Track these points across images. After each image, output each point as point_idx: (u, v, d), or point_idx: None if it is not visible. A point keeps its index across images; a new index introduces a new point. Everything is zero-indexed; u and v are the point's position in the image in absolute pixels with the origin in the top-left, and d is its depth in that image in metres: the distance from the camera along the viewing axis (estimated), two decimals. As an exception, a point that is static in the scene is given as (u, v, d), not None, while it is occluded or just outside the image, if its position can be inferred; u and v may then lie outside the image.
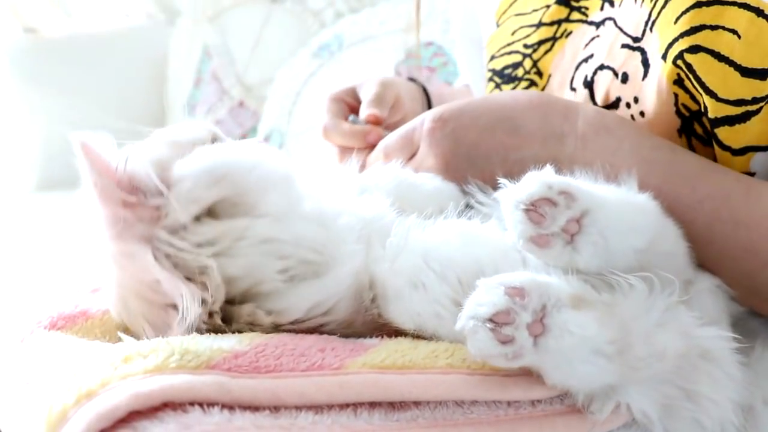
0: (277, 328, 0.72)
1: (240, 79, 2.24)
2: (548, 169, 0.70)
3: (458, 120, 0.86)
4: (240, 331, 0.71)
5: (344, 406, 0.62)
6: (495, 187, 0.80)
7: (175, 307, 0.72)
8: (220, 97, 2.25)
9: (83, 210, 0.73)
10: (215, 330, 0.71)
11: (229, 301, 0.72)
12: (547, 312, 0.63)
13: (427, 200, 0.84)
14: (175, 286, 0.71)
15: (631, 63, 0.87)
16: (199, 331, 0.71)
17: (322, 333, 0.72)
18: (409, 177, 0.88)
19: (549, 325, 0.63)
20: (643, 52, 0.86)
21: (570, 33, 0.96)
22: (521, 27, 1.01)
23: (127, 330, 0.76)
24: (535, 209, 0.68)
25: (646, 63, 0.85)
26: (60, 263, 0.90)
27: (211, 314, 0.71)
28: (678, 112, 0.83)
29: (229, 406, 0.59)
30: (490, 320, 0.62)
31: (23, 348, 0.74)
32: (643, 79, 0.85)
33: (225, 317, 0.71)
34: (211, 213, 0.73)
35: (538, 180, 0.68)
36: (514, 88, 1.00)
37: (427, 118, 0.88)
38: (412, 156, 0.90)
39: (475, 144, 0.85)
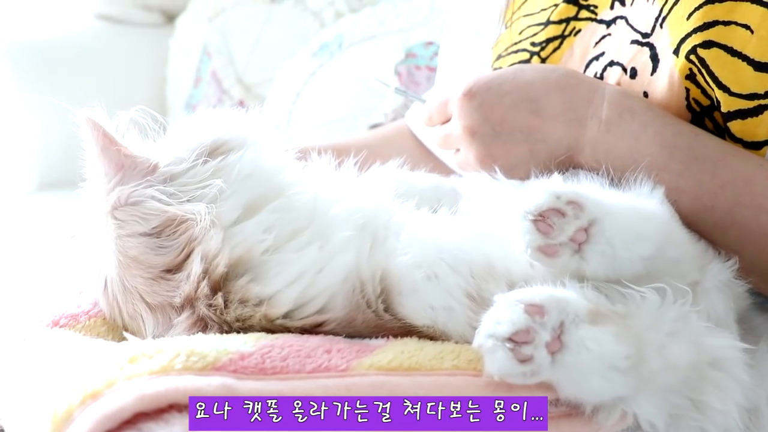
0: (272, 322, 0.72)
1: (240, 79, 2.23)
2: (556, 177, 0.71)
3: (485, 95, 0.88)
4: (238, 320, 0.72)
5: (351, 409, 0.62)
6: (517, 162, 0.86)
7: (172, 305, 0.73)
8: (219, 97, 2.24)
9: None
10: (217, 318, 0.72)
11: (225, 279, 0.73)
12: (565, 328, 0.63)
13: (422, 197, 0.85)
14: (184, 210, 0.74)
15: (640, 58, 0.87)
16: (204, 320, 0.72)
17: (325, 333, 0.72)
18: (405, 176, 0.91)
19: (567, 342, 0.63)
20: (652, 47, 0.86)
21: (578, 31, 0.96)
22: (529, 26, 1.01)
23: (124, 329, 0.77)
24: (543, 219, 0.68)
25: (655, 58, 0.86)
26: (58, 263, 0.90)
27: (214, 291, 0.72)
28: (689, 107, 0.84)
29: (235, 408, 0.59)
30: (510, 339, 0.62)
31: (26, 346, 0.74)
32: (652, 74, 0.86)
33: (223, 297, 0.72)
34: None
35: (546, 190, 0.69)
36: None
37: (459, 89, 0.90)
38: (448, 119, 0.94)
39: (500, 121, 0.88)
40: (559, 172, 0.85)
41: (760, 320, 0.80)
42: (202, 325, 0.72)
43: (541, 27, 1.00)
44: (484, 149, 0.89)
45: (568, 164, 0.86)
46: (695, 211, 0.78)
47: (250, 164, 0.78)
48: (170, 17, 2.46)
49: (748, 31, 0.79)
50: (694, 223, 0.78)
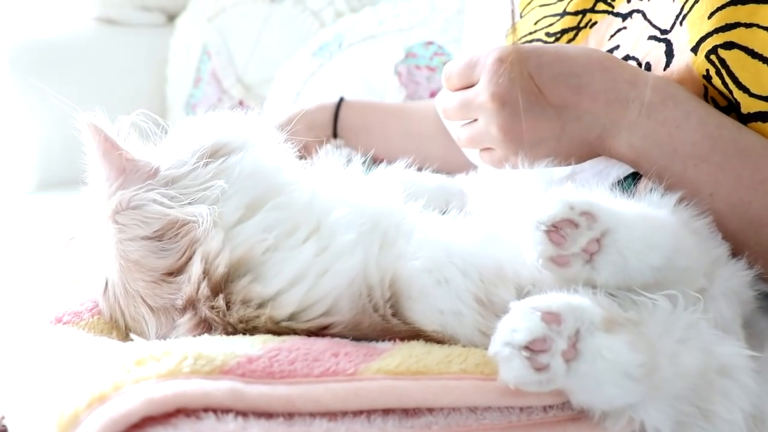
0: (277, 324, 0.72)
1: (240, 78, 2.23)
2: (569, 186, 0.70)
3: (523, 64, 0.84)
4: (241, 321, 0.72)
5: (358, 413, 0.62)
6: (544, 139, 0.83)
7: (174, 307, 0.73)
8: (219, 96, 2.24)
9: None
10: (220, 319, 0.72)
11: (226, 280, 0.73)
12: (581, 336, 0.63)
13: (430, 197, 0.84)
14: (186, 213, 0.74)
15: (655, 53, 0.87)
16: (208, 322, 0.72)
17: (332, 336, 0.72)
18: (413, 176, 0.90)
19: (582, 350, 0.62)
20: (668, 43, 0.86)
21: (594, 23, 0.96)
22: (545, 16, 1.01)
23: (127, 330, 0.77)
24: (556, 230, 0.68)
25: (670, 54, 0.85)
26: (58, 265, 0.90)
27: (215, 293, 0.72)
28: None
29: (242, 413, 0.59)
30: (526, 347, 0.62)
31: (30, 344, 0.74)
32: (665, 68, 0.85)
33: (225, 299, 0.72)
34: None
35: (560, 201, 0.68)
36: None
37: (492, 54, 0.86)
38: (471, 85, 0.89)
39: (535, 92, 0.84)
40: (581, 158, 0.86)
41: (764, 324, 0.80)
42: (206, 326, 0.72)
43: (558, 17, 0.99)
44: (511, 121, 0.84)
45: (596, 148, 0.85)
46: (731, 205, 0.78)
47: (251, 164, 0.78)
48: (170, 17, 2.46)
49: None
50: (727, 218, 0.77)
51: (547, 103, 0.83)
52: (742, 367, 0.68)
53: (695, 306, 0.69)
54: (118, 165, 0.77)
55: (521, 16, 1.06)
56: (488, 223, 0.78)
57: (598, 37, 0.95)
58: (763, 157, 0.78)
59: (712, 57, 0.80)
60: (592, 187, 0.74)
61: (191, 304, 0.72)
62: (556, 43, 0.91)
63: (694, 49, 0.82)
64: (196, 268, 0.72)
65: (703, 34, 0.81)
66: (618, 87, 0.82)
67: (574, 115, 0.83)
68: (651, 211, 0.73)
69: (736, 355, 0.68)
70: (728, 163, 0.78)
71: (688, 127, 0.80)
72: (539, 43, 0.89)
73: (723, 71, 0.80)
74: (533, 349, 0.62)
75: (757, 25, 0.79)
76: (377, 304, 0.74)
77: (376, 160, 0.91)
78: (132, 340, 0.73)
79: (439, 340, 0.72)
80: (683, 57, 0.84)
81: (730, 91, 0.80)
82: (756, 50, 0.79)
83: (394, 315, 0.74)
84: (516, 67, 0.83)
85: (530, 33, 1.02)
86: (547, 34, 1.00)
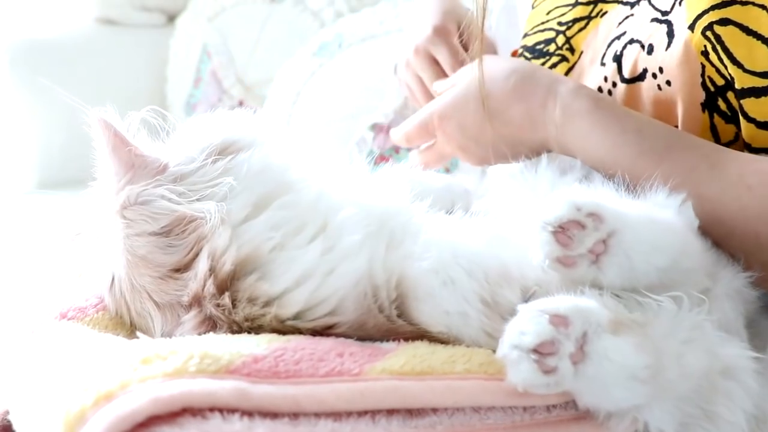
0: (283, 323, 0.72)
1: (240, 78, 2.23)
2: (577, 187, 0.71)
3: (457, 116, 0.98)
4: (247, 319, 0.72)
5: (363, 413, 0.62)
6: (509, 155, 0.93)
7: (180, 304, 0.73)
8: (219, 97, 2.24)
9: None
10: (226, 317, 0.72)
11: (232, 278, 0.73)
12: (588, 339, 0.63)
13: (436, 197, 0.85)
14: (194, 209, 0.74)
15: (657, 35, 0.88)
16: (213, 320, 0.72)
17: (337, 336, 0.72)
18: (419, 176, 0.91)
19: (589, 353, 0.63)
20: (669, 24, 0.87)
21: (605, 13, 0.98)
22: (557, 7, 1.04)
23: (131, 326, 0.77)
24: (563, 231, 0.68)
25: (671, 34, 0.87)
26: (63, 260, 0.90)
27: (221, 290, 0.72)
28: (703, 84, 0.85)
29: (248, 413, 0.59)
30: (534, 350, 0.62)
31: (35, 339, 0.74)
32: (666, 49, 0.87)
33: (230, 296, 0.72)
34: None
35: (567, 202, 0.69)
36: (543, 63, 1.03)
37: (434, 115, 1.00)
38: (432, 137, 1.03)
39: (479, 133, 0.95)
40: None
41: (766, 324, 0.80)
42: (211, 324, 0.72)
43: (569, 8, 1.02)
44: (480, 156, 0.97)
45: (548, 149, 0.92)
46: None
47: (259, 162, 0.78)
48: (170, 17, 2.46)
49: (764, 11, 0.80)
50: None
51: (490, 138, 0.94)
52: (745, 368, 0.69)
53: (700, 307, 0.69)
54: (128, 160, 0.77)
55: (533, 8, 1.09)
56: (494, 224, 0.79)
57: (607, 26, 0.97)
58: (666, 155, 0.81)
59: (708, 33, 0.82)
60: (598, 187, 0.75)
61: (197, 301, 0.72)
62: (471, 78, 0.96)
63: (691, 27, 0.84)
64: (202, 265, 0.72)
65: (699, 11, 0.83)
66: (534, 114, 0.90)
67: (516, 141, 0.93)
68: (657, 213, 0.74)
69: (739, 356, 0.69)
70: (635, 166, 0.81)
71: (595, 138, 0.85)
72: (462, 85, 0.98)
73: (718, 47, 0.82)
74: (541, 351, 0.62)
75: (752, 3, 0.81)
76: (383, 304, 0.74)
77: None
78: (138, 337, 0.73)
79: (444, 341, 0.73)
80: (681, 35, 0.85)
81: (725, 66, 0.82)
82: (750, 27, 0.81)
83: (399, 316, 0.74)
84: (454, 120, 0.98)
85: (542, 23, 1.05)
86: (559, 23, 1.02)
